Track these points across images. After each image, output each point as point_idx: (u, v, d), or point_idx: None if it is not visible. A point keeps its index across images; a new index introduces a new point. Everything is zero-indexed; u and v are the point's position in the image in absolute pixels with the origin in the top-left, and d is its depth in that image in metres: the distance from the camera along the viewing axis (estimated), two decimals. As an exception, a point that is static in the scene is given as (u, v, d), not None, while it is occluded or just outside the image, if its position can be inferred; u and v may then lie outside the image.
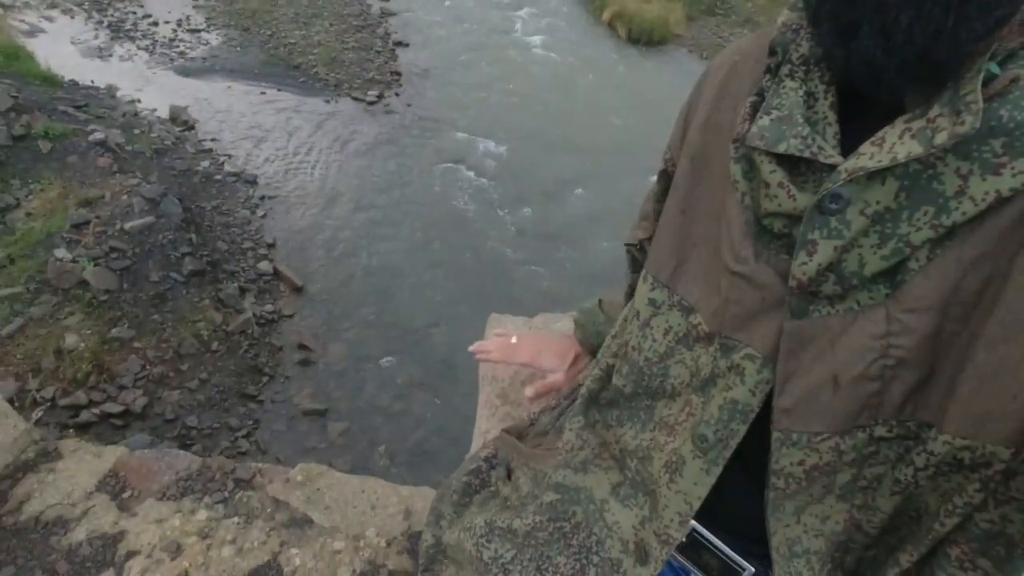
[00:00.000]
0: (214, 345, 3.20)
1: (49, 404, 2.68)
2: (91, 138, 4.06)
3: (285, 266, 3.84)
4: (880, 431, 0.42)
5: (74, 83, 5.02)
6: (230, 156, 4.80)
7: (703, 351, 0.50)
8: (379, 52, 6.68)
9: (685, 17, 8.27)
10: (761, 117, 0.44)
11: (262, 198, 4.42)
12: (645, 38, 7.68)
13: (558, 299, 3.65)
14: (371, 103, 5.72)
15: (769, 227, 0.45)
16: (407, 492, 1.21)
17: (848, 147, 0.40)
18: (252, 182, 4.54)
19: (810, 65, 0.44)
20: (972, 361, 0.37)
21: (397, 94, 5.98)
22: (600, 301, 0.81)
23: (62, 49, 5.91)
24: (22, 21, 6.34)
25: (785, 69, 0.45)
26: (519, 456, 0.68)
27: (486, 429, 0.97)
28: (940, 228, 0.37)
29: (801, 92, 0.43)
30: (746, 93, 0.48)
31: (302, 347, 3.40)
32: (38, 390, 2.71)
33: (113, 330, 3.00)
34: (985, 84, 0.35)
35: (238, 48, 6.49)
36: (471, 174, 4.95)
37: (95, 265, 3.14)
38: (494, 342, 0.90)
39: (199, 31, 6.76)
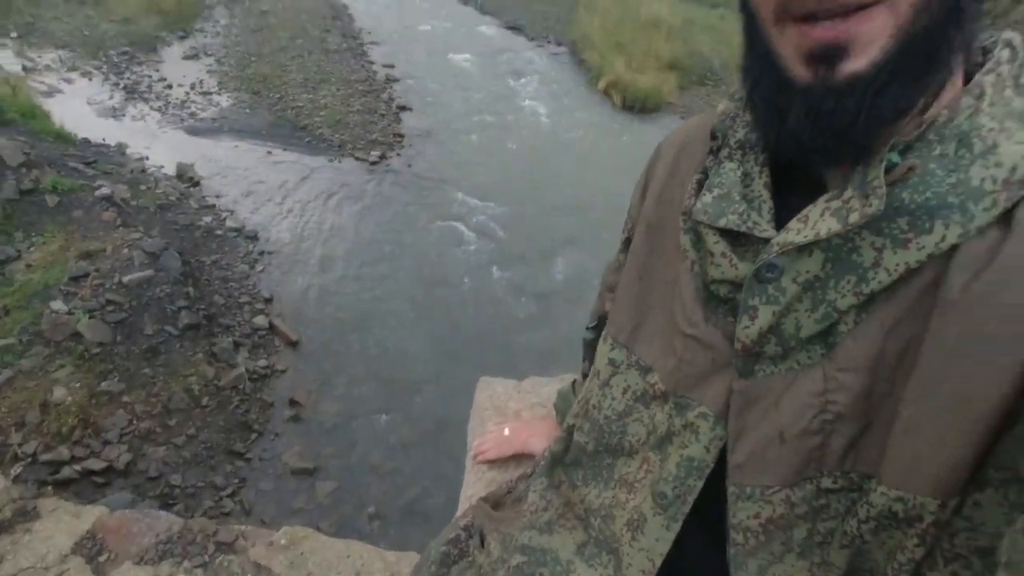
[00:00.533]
0: (204, 400, 3.15)
1: (30, 460, 2.62)
2: (97, 193, 4.15)
3: (281, 320, 3.84)
4: (826, 483, 0.44)
5: (86, 140, 5.18)
6: (232, 212, 4.89)
7: (659, 409, 0.54)
8: (383, 115, 6.95)
9: (677, 86, 8.67)
10: (704, 194, 0.50)
11: (261, 253, 4.48)
12: (639, 106, 8.02)
13: (553, 358, 3.64)
14: (373, 163, 5.90)
15: (716, 293, 0.49)
16: (393, 558, 1.18)
17: (782, 220, 0.45)
18: (253, 237, 4.61)
19: (746, 149, 0.50)
20: (899, 416, 0.41)
21: (399, 155, 6.17)
22: (574, 382, 0.89)
23: (78, 108, 6.14)
24: (42, 82, 6.61)
25: (724, 152, 0.52)
26: (490, 522, 0.70)
27: (471, 494, 0.96)
28: (861, 295, 0.41)
29: (739, 172, 0.49)
30: (693, 171, 0.54)
31: (293, 403, 3.35)
32: (20, 445, 2.65)
33: (103, 383, 2.96)
34: (888, 171, 0.40)
35: (247, 110, 6.75)
36: (469, 233, 5.04)
37: (90, 318, 3.14)
38: (489, 439, 1.01)
39: (211, 94, 7.04)
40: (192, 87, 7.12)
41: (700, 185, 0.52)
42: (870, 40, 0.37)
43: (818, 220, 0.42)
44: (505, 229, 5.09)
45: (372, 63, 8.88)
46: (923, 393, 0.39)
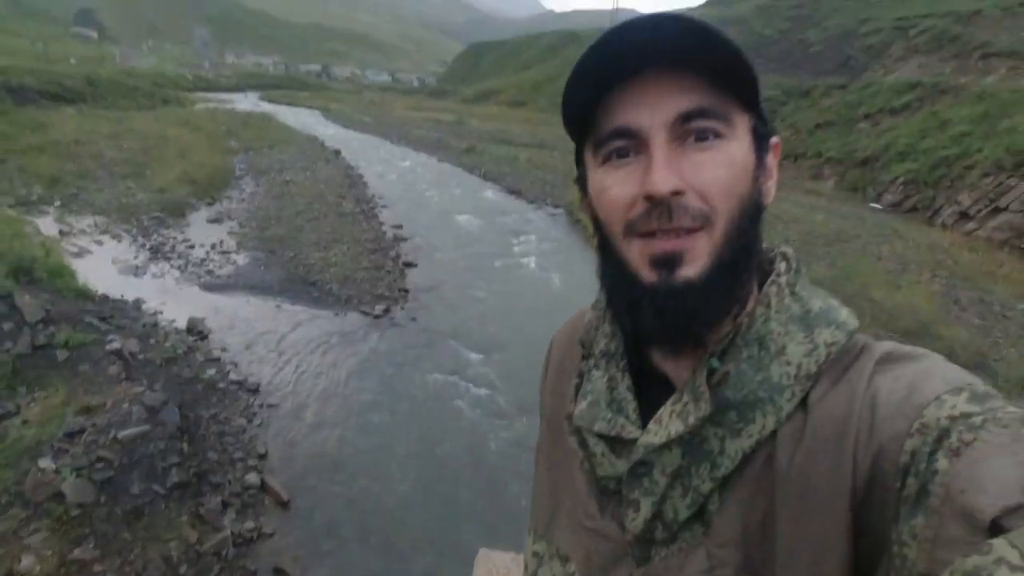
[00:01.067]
0: (182, 569, 2.92)
1: (-21, 644, 2.36)
2: (108, 347, 4.24)
3: (273, 478, 3.69)
4: None
5: (105, 297, 5.42)
6: (236, 365, 4.95)
7: None
8: (389, 271, 7.33)
9: (666, 244, 9.24)
10: (580, 400, 0.58)
11: (261, 406, 4.44)
12: (632, 261, 8.49)
13: (557, 517, 3.43)
14: (377, 317, 6.09)
15: (606, 486, 0.55)
16: None
17: (647, 415, 0.53)
18: (254, 390, 4.61)
19: (608, 358, 0.59)
20: None
21: (403, 308, 6.39)
22: None
23: (103, 267, 6.52)
24: (75, 244, 7.09)
25: (591, 361, 0.60)
26: None
27: None
28: (717, 479, 0.48)
29: (605, 379, 0.57)
30: (574, 372, 0.63)
31: (279, 572, 3.09)
32: (-27, 625, 2.40)
33: (76, 550, 2.77)
34: (712, 374, 0.49)
35: (262, 267, 7.14)
36: (470, 388, 5.04)
37: (77, 476, 3.03)
38: None
39: (229, 253, 7.51)
40: (212, 247, 7.61)
41: (577, 389, 0.61)
42: (697, 255, 0.47)
43: (668, 421, 0.50)
44: (505, 383, 5.09)
45: (382, 224, 9.58)
46: (789, 556, 0.45)
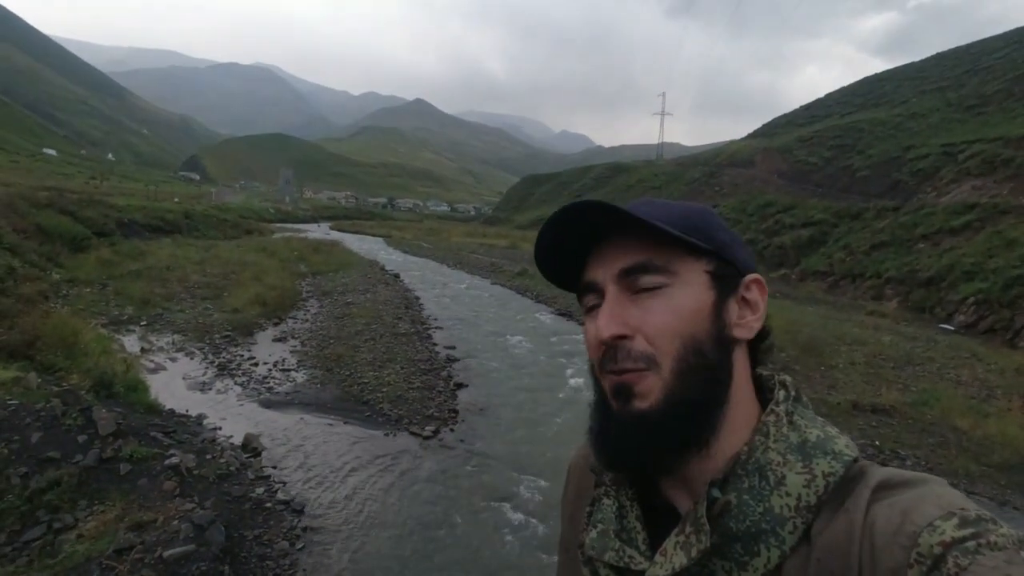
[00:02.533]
0: None
1: None
2: (166, 462, 4.37)
3: (309, 610, 3.52)
4: None
5: (171, 412, 5.68)
6: (284, 484, 4.95)
7: None
8: (440, 392, 7.38)
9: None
10: (591, 530, 0.59)
11: (304, 529, 4.36)
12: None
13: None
14: (427, 438, 6.04)
15: None
16: None
17: (658, 544, 0.55)
18: (299, 511, 4.55)
19: (617, 486, 0.61)
20: None
21: (452, 430, 6.34)
22: None
23: (174, 383, 6.89)
24: (152, 361, 7.60)
25: (602, 489, 0.62)
26: None
27: None
28: None
29: (614, 508, 0.59)
30: (589, 498, 0.65)
31: None
32: None
33: None
34: (713, 503, 0.51)
35: (318, 385, 7.36)
36: (518, 513, 4.80)
37: (119, 597, 3.00)
38: None
39: (289, 370, 7.82)
40: (275, 364, 7.96)
41: (590, 516, 0.62)
42: (647, 391, 0.53)
43: (673, 553, 0.51)
44: (554, 512, 4.83)
45: (435, 344, 9.82)
46: None
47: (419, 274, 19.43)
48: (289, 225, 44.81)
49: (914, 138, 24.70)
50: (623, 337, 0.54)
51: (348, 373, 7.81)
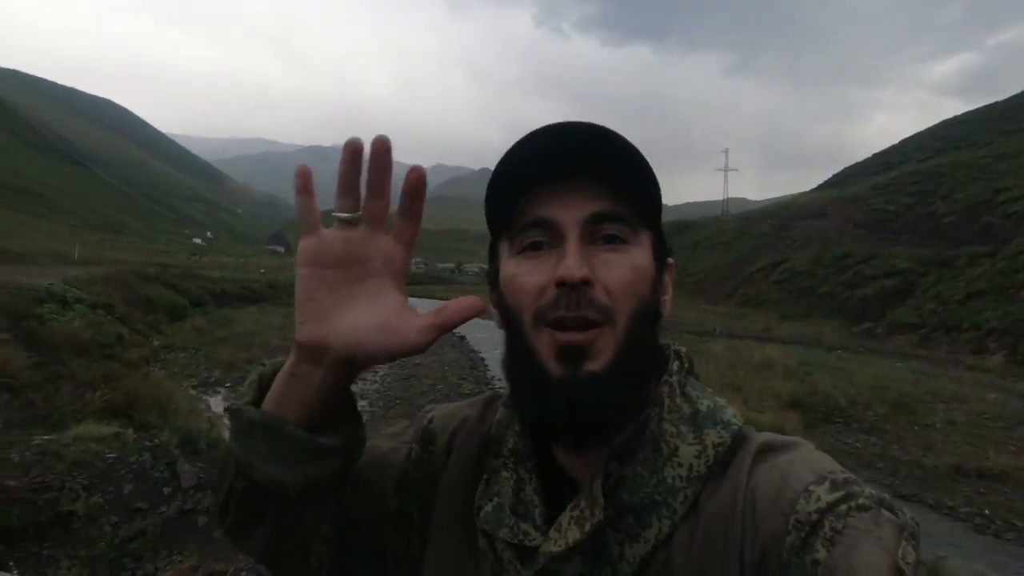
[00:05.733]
0: None
1: None
2: (241, 515, 4.59)
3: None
4: None
5: (248, 468, 5.97)
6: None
7: None
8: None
9: (801, 424, 8.36)
10: (487, 503, 0.56)
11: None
12: (762, 444, 7.70)
13: None
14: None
15: None
16: None
17: (555, 517, 0.52)
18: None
19: (517, 457, 0.57)
20: None
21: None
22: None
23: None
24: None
25: (500, 461, 0.58)
26: None
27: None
28: None
29: (512, 481, 0.56)
30: (473, 460, 0.61)
31: None
32: None
33: None
34: (608, 477, 0.51)
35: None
36: None
37: (190, 644, 3.13)
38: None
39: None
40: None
41: (487, 487, 0.57)
42: (601, 350, 0.49)
43: (567, 528, 0.50)
44: None
45: (498, 404, 9.82)
46: None
47: (483, 336, 19.70)
48: (363, 292, 46.79)
49: (1004, 180, 23.03)
50: (587, 283, 0.49)
51: (412, 432, 7.93)
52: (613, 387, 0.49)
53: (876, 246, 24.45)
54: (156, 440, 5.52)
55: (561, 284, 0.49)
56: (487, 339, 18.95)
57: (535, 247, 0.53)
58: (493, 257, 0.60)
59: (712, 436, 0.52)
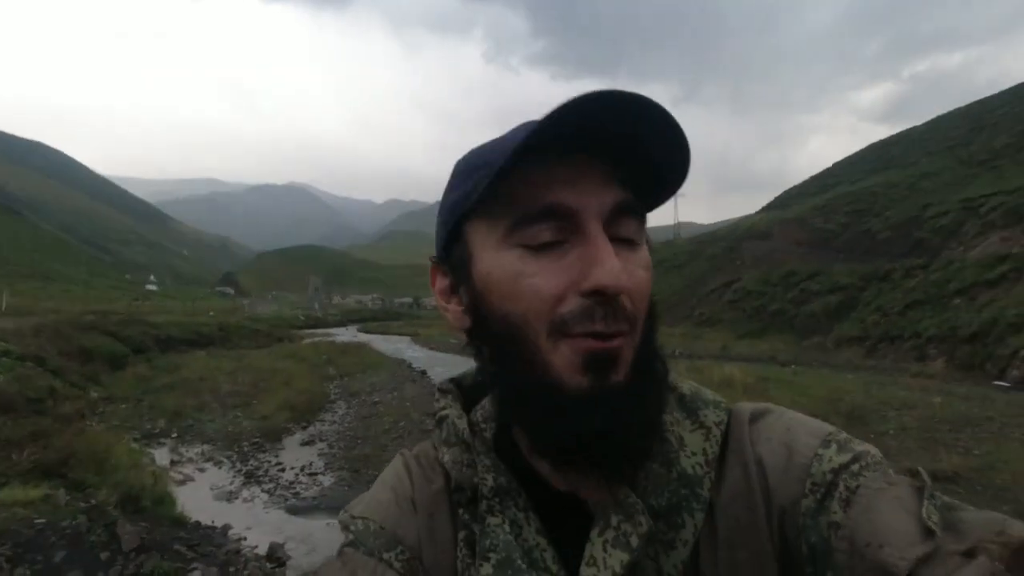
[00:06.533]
0: None
1: None
2: (189, 576, 4.24)
3: None
4: None
5: (197, 523, 5.57)
6: (309, 595, 4.71)
7: None
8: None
9: (764, 441, 8.50)
10: (482, 564, 0.44)
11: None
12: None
13: None
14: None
15: None
16: None
17: (566, 555, 0.45)
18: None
19: (503, 495, 0.47)
20: None
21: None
22: None
23: (200, 494, 6.81)
24: (181, 472, 7.57)
25: (483, 505, 0.46)
26: None
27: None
28: None
29: (506, 526, 0.45)
30: (449, 526, 0.48)
31: None
32: None
33: None
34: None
35: (346, 487, 7.17)
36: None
37: None
38: None
39: (316, 474, 7.68)
40: (302, 469, 7.84)
41: (470, 545, 0.46)
42: (625, 358, 0.43)
43: (606, 557, 0.43)
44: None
45: (464, 438, 9.59)
46: None
47: (443, 370, 19.41)
48: (319, 330, 45.83)
49: (930, 196, 24.75)
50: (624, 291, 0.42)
51: (375, 473, 7.60)
52: (637, 396, 0.43)
53: (820, 264, 25.65)
54: (93, 500, 5.09)
55: (598, 293, 0.41)
56: (448, 372, 18.62)
57: (547, 241, 0.43)
58: (455, 241, 0.48)
59: (711, 416, 0.49)
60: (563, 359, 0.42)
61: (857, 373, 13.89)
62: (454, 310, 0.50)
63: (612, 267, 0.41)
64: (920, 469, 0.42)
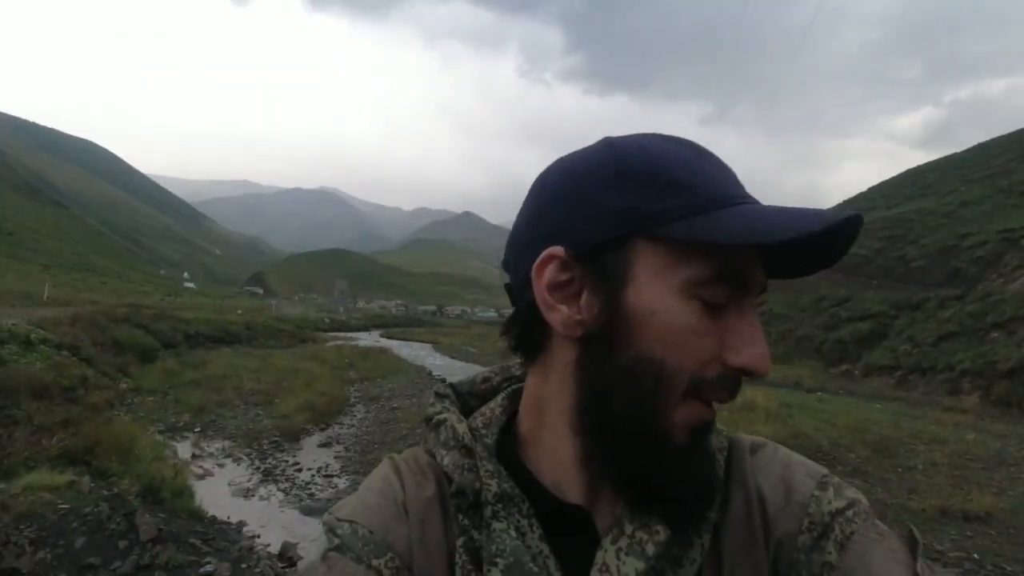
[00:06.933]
0: None
1: None
2: (201, 571, 4.30)
3: None
4: None
5: (213, 518, 5.66)
6: (319, 596, 4.74)
7: None
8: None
9: (786, 469, 8.28)
10: (489, 570, 0.44)
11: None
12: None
13: None
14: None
15: None
16: None
17: (565, 564, 0.45)
18: (330, 627, 4.31)
19: (506, 502, 0.46)
20: None
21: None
22: None
23: (219, 489, 6.92)
24: (201, 467, 7.71)
25: (488, 511, 0.46)
26: None
27: None
28: None
29: (512, 531, 0.45)
30: (441, 532, 0.47)
31: None
32: None
33: None
34: None
35: (359, 491, 7.23)
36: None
37: None
38: None
39: (332, 476, 7.75)
40: (318, 470, 7.92)
41: (471, 553, 0.45)
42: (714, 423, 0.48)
43: (619, 564, 0.43)
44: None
45: (479, 448, 9.57)
46: None
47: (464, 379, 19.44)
48: (342, 334, 46.40)
49: (968, 226, 23.98)
50: None
51: (389, 478, 7.65)
52: (716, 456, 0.50)
53: (851, 289, 25.03)
54: (115, 489, 5.22)
55: (744, 372, 0.42)
56: (468, 382, 18.65)
57: (718, 303, 0.43)
58: (612, 249, 0.44)
59: (714, 442, 0.51)
60: (681, 417, 0.43)
61: (886, 404, 13.45)
62: (565, 313, 0.45)
63: (765, 353, 0.42)
64: (914, 528, 0.46)
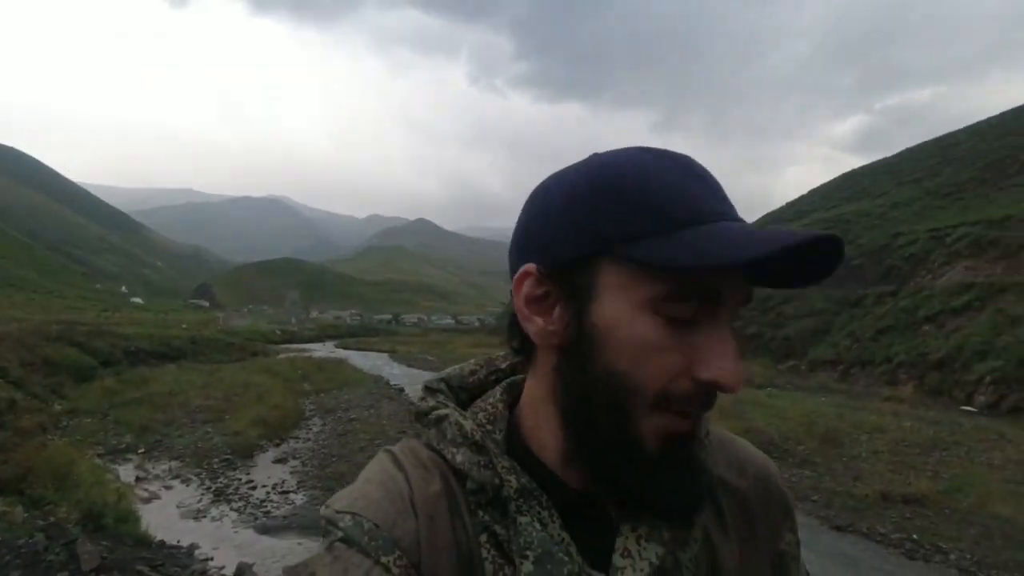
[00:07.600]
0: None
1: None
2: (152, 598, 4.07)
3: None
4: None
5: (162, 543, 5.38)
6: (278, 618, 4.56)
7: None
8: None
9: (740, 463, 8.55)
10: (522, 563, 0.44)
11: (297, 670, 3.96)
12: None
13: None
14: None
15: None
16: None
17: (584, 552, 0.46)
18: (291, 649, 4.16)
19: (526, 496, 0.47)
20: None
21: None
22: None
23: (167, 512, 6.59)
24: (146, 489, 7.32)
25: (512, 507, 0.46)
26: None
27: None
28: None
29: (536, 524, 0.46)
30: (453, 533, 0.47)
31: None
32: None
33: None
34: None
35: (319, 505, 7.00)
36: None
37: None
38: None
39: (288, 492, 7.49)
40: (274, 487, 7.64)
41: (499, 547, 0.46)
42: (695, 433, 0.47)
43: (640, 550, 0.45)
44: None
45: (440, 456, 9.46)
46: None
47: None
48: (295, 345, 45.05)
49: (900, 226, 25.48)
50: None
51: (349, 492, 7.47)
52: (702, 460, 0.49)
53: (795, 288, 26.12)
54: (52, 518, 4.89)
55: (715, 386, 0.42)
56: (427, 390, 18.42)
57: (687, 317, 0.42)
58: (582, 266, 0.45)
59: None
60: (651, 428, 0.44)
61: (831, 396, 14.11)
62: (540, 325, 0.47)
63: (737, 369, 0.41)
64: None
